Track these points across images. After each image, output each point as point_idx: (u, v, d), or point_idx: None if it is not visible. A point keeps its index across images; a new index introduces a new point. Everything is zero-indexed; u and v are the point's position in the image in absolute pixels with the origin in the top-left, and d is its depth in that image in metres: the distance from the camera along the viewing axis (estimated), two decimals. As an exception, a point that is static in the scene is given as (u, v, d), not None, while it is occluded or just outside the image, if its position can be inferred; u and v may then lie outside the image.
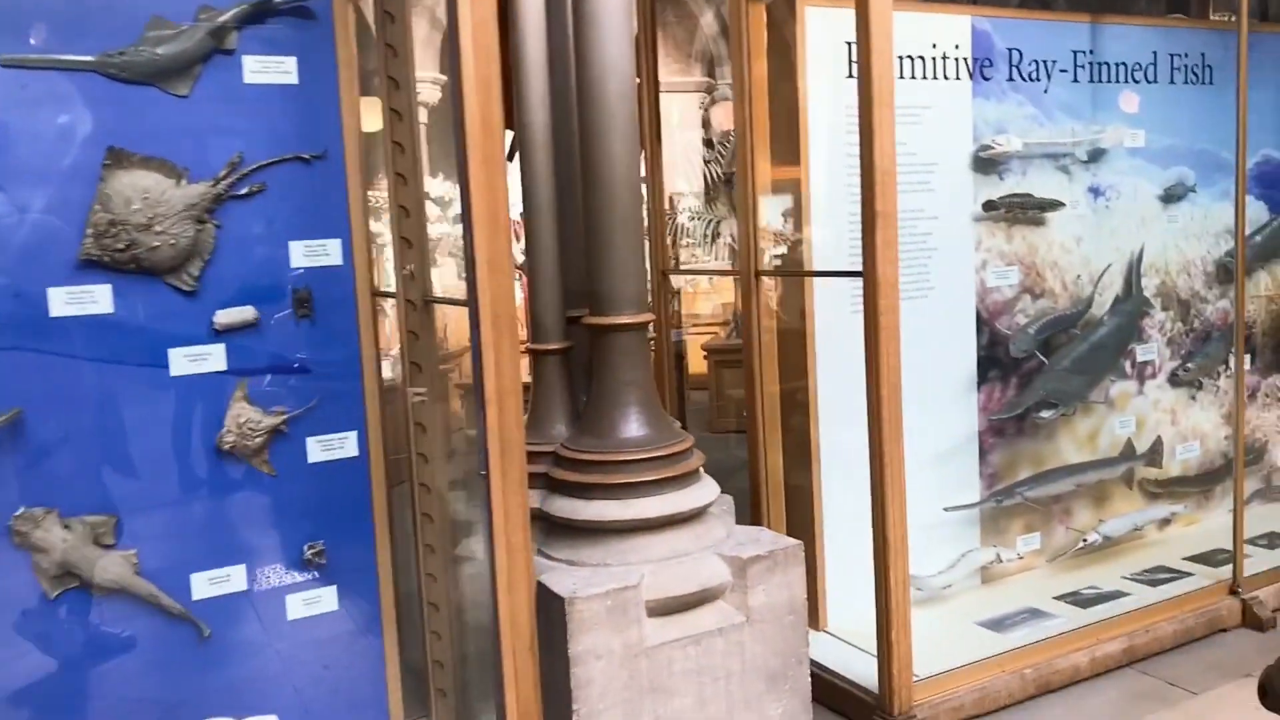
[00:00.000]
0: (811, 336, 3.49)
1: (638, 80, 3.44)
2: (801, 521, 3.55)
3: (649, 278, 3.49)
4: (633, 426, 2.76)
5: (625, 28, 2.58)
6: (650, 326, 2.89)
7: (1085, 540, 3.93)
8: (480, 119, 2.21)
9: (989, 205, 3.75)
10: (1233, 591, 3.77)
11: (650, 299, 3.53)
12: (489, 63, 2.20)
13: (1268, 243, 4.56)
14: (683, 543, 2.66)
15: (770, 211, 3.54)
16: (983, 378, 3.85)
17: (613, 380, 2.72)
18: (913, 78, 3.59)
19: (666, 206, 5.63)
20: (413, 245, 2.77)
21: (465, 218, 2.25)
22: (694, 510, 2.76)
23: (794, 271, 3.45)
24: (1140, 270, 4.20)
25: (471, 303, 2.27)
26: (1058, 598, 3.76)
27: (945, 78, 3.67)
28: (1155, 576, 3.92)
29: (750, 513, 3.52)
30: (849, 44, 3.41)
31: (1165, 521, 4.28)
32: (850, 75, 3.38)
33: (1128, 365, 4.24)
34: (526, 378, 2.74)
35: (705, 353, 7.76)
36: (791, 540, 2.81)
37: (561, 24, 2.83)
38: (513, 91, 2.80)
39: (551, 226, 2.88)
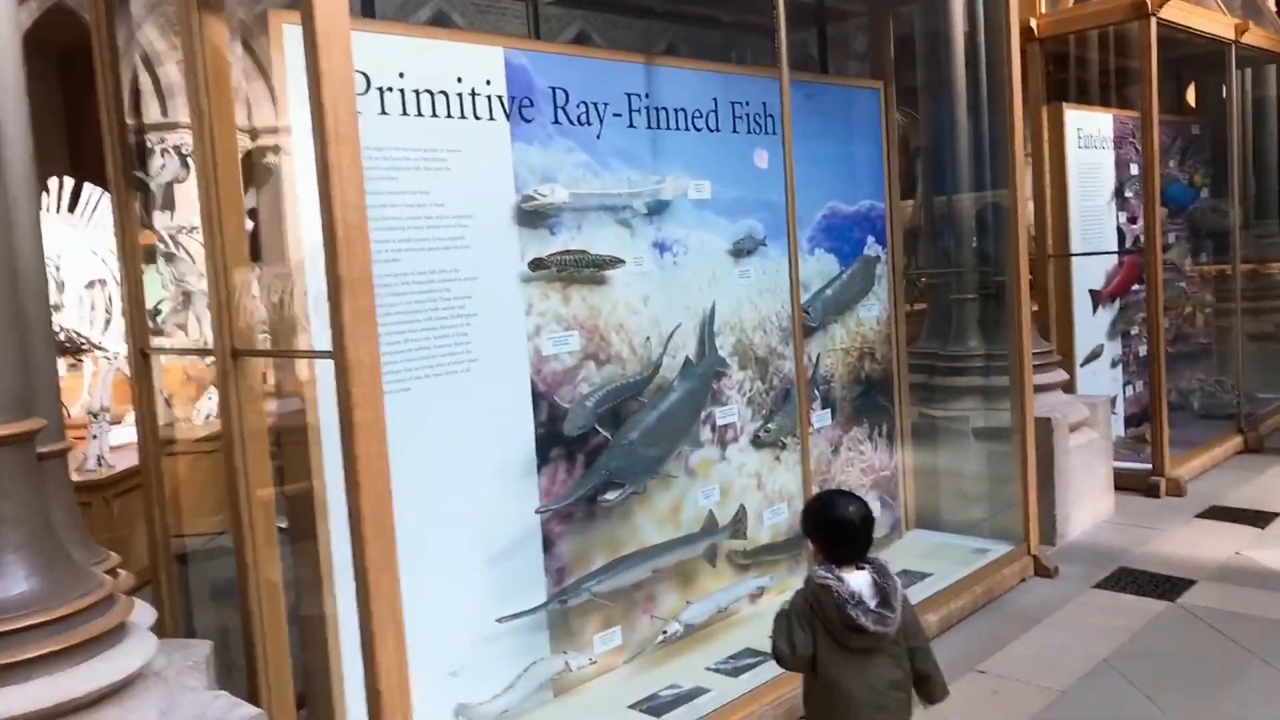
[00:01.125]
0: (316, 429, 2.81)
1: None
2: (318, 662, 2.85)
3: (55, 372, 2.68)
4: (9, 582, 1.96)
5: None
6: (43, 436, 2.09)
7: (665, 633, 3.54)
8: None
9: (537, 264, 3.29)
10: (813, 672, 3.52)
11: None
12: None
13: (840, 295, 4.52)
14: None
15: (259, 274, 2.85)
16: (544, 459, 3.37)
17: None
18: (434, 115, 3.06)
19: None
20: None
21: None
22: (115, 685, 2.06)
23: (268, 352, 2.77)
24: (713, 329, 3.94)
25: None
26: (634, 705, 3.32)
27: (477, 117, 3.17)
28: (740, 663, 3.61)
29: (245, 652, 2.77)
30: (363, 74, 2.83)
31: (756, 594, 4.03)
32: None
33: (707, 430, 3.96)
34: None
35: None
36: (254, 711, 2.12)
37: None
38: None
39: None
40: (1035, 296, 6.31)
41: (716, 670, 3.57)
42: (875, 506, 4.68)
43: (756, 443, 4.16)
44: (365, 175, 2.36)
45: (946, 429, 5.26)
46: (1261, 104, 9.05)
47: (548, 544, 3.39)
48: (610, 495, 3.36)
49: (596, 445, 3.47)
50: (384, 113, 2.94)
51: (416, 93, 3.01)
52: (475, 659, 3.18)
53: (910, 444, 5.15)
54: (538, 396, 3.34)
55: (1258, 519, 5.24)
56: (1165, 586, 4.39)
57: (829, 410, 4.55)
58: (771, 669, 3.47)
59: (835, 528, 2.50)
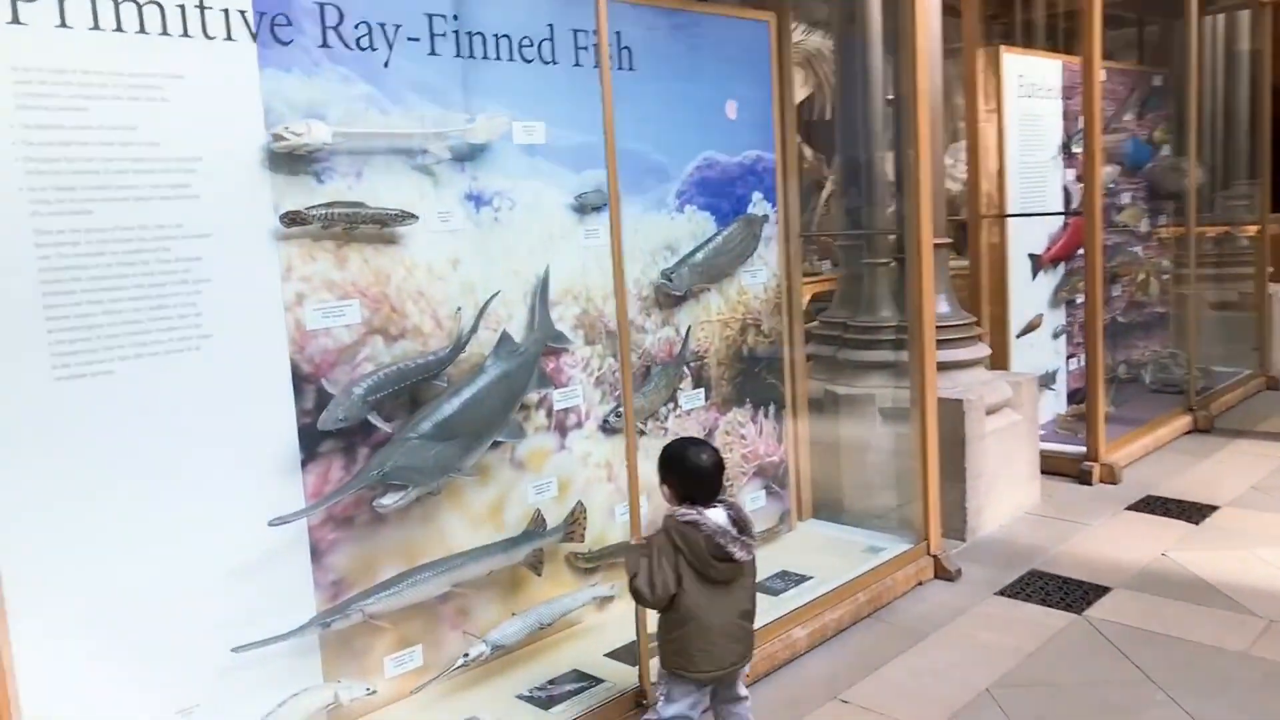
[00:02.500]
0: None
1: None
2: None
3: None
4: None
5: None
6: None
7: (466, 655, 3.01)
8: None
9: (293, 218, 2.69)
10: (638, 703, 3.01)
11: None
12: None
13: (712, 258, 3.93)
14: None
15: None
16: (311, 454, 2.81)
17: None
18: (142, 32, 2.45)
19: None
20: None
21: None
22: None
23: None
24: (547, 297, 3.36)
25: None
26: (413, 747, 2.80)
27: (208, 36, 2.56)
28: (558, 690, 3.09)
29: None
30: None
31: (603, 601, 3.50)
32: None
33: (542, 416, 3.40)
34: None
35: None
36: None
37: None
38: None
39: None
40: (966, 262, 5.75)
41: (529, 698, 3.05)
42: (759, 496, 4.16)
43: (607, 428, 3.60)
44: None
45: (851, 408, 4.72)
46: (1234, 58, 8.44)
47: (317, 554, 2.84)
48: (388, 499, 2.81)
49: (383, 438, 2.91)
50: (64, 25, 2.33)
51: (115, 1, 2.40)
52: (218, 694, 2.65)
53: (809, 425, 4.61)
54: (301, 380, 2.77)
55: (1193, 513, 4.72)
56: (1075, 594, 3.87)
57: (702, 390, 3.99)
58: (593, 696, 2.99)
59: (690, 474, 2.68)
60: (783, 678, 3.35)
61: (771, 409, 4.32)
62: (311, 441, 2.80)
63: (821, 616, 3.61)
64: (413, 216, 2.93)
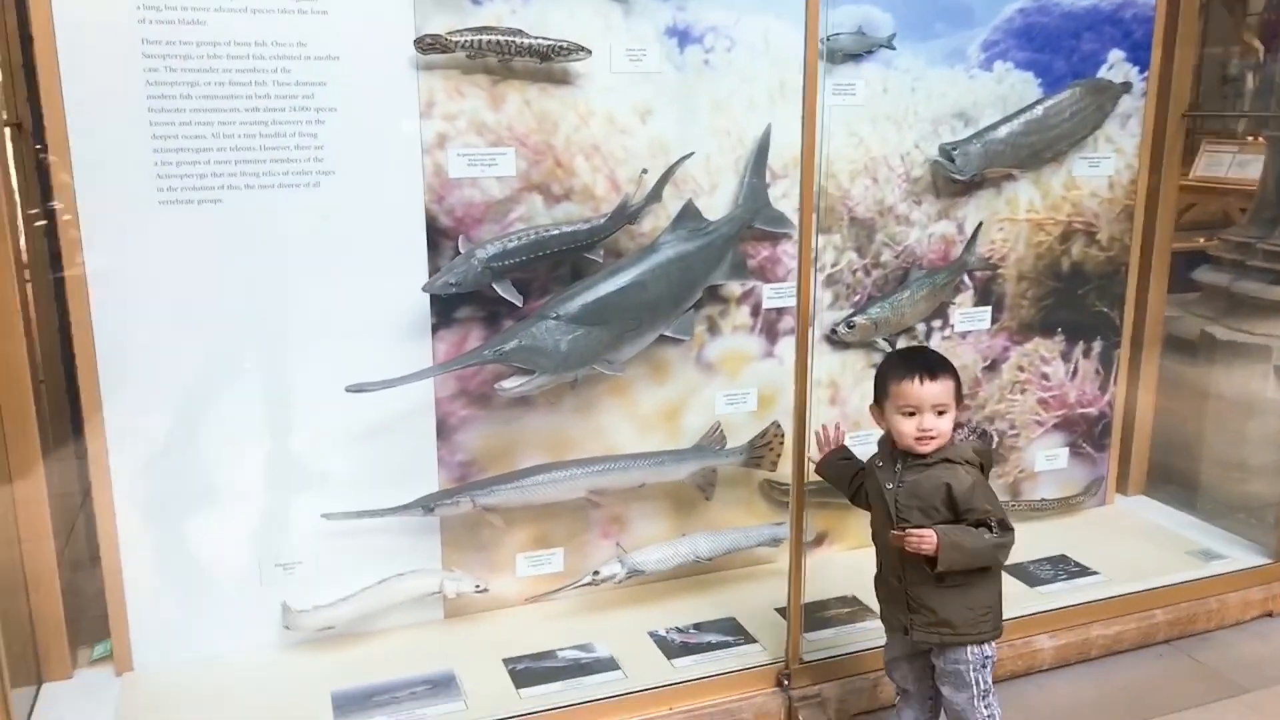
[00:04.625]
0: None
1: None
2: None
3: None
4: None
5: None
6: None
7: (596, 574, 2.60)
8: None
9: (432, 43, 2.31)
10: (779, 683, 2.41)
11: None
12: None
13: (1025, 137, 2.95)
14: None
15: None
16: (444, 318, 2.50)
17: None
18: None
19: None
20: None
21: None
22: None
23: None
24: (764, 166, 2.70)
25: None
26: (509, 660, 2.47)
27: None
28: (695, 638, 2.59)
29: None
30: None
31: (772, 544, 2.88)
32: None
33: (747, 313, 2.80)
34: None
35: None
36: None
37: None
38: None
39: None
40: None
41: (661, 639, 2.58)
42: (1058, 454, 3.24)
43: (835, 340, 2.91)
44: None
45: (1235, 359, 3.49)
46: None
47: (445, 430, 2.56)
48: (509, 383, 2.42)
49: (528, 310, 2.52)
50: None
51: None
52: (323, 555, 2.52)
53: (1165, 374, 3.49)
54: (438, 233, 2.44)
55: None
56: None
57: (989, 309, 3.09)
58: (731, 658, 2.48)
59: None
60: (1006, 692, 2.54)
61: (1098, 346, 3.28)
62: (446, 305, 2.48)
63: (1087, 629, 2.70)
64: (583, 50, 2.41)
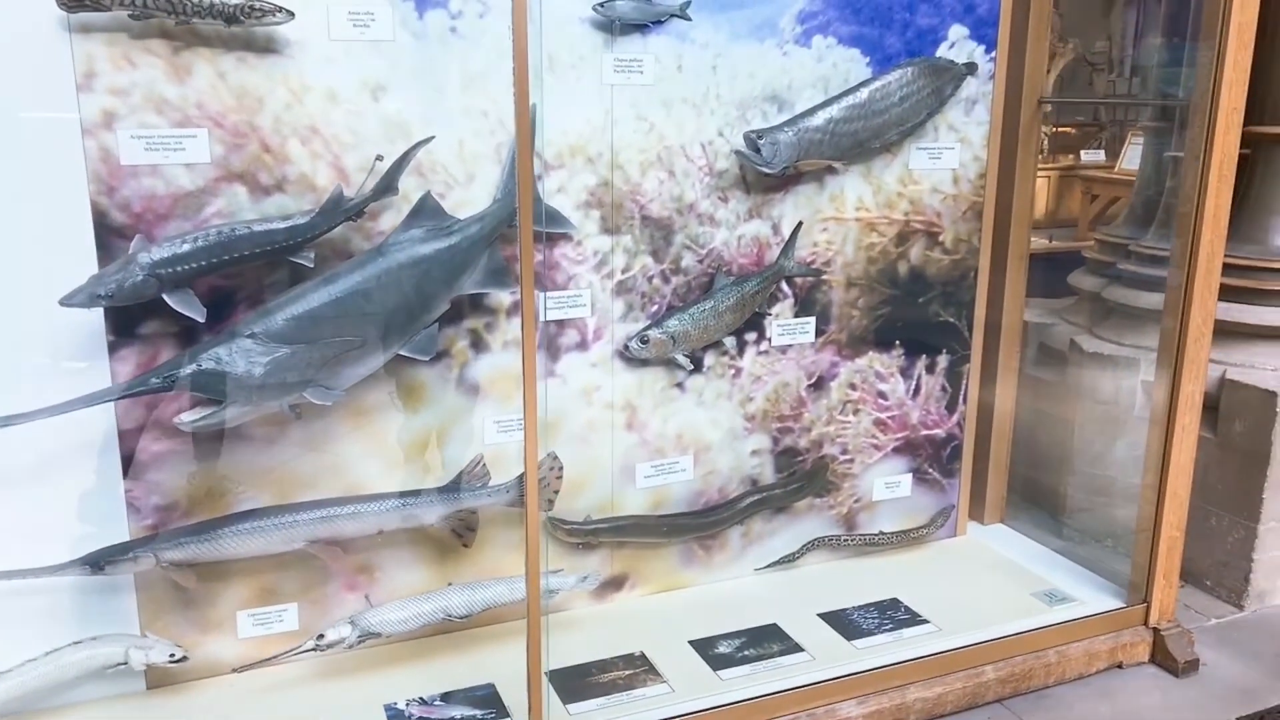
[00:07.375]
0: None
1: None
2: None
3: None
4: None
5: None
6: None
7: (321, 638, 2.19)
8: None
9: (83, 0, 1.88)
10: (520, 771, 2.02)
11: None
12: None
13: (848, 124, 2.57)
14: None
15: None
16: (124, 333, 2.07)
17: None
18: None
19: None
20: None
21: None
22: None
23: None
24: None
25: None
26: (199, 748, 2.06)
27: None
28: (433, 713, 2.18)
29: None
30: None
31: (551, 593, 2.49)
32: None
33: (517, 325, 2.40)
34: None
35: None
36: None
37: None
38: None
39: None
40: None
41: (398, 712, 2.18)
42: (899, 482, 2.89)
43: (628, 357, 2.52)
44: None
45: (1104, 374, 3.16)
46: None
47: (136, 467, 2.13)
48: (190, 415, 2.00)
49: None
50: None
51: None
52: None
53: (1024, 391, 3.15)
54: (110, 231, 2.01)
55: None
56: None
57: (811, 319, 2.72)
58: None
59: None
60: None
61: (943, 361, 2.92)
62: (126, 317, 2.05)
63: (904, 691, 2.34)
64: (282, 11, 1.99)
